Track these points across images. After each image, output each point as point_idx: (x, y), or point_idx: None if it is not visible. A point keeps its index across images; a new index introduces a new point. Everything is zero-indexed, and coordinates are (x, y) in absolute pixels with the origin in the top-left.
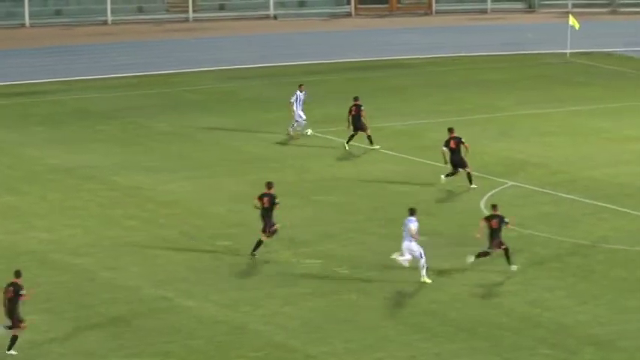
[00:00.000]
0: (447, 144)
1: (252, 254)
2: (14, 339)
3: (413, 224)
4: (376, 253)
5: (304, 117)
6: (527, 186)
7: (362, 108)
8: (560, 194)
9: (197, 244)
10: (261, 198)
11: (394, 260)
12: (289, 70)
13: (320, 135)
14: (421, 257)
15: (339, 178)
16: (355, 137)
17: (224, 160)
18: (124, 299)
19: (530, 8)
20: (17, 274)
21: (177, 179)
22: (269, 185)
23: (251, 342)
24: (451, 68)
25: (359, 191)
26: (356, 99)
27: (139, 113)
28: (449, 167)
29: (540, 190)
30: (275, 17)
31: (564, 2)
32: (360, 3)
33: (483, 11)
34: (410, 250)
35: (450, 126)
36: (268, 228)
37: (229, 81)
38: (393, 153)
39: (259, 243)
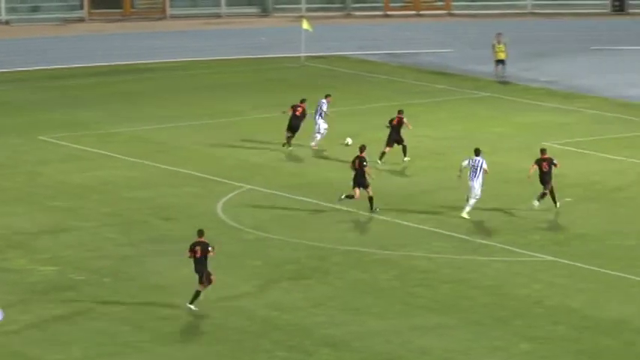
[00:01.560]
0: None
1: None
2: (197, 294)
3: (485, 164)
4: (112, 258)
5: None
6: (263, 189)
7: (298, 109)
8: (296, 197)
9: None
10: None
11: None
12: (26, 76)
13: (53, 140)
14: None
15: (73, 184)
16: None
17: None
18: None
19: (265, 12)
20: (200, 233)
21: None
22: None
23: None
24: (186, 73)
25: (94, 196)
26: (302, 101)
27: None
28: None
29: (277, 193)
30: (7, 23)
31: (298, 6)
32: (93, 8)
33: (218, 15)
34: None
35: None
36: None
37: None
38: (127, 158)
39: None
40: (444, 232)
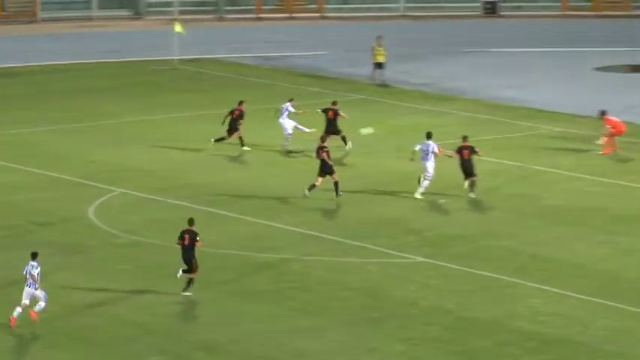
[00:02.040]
0: None
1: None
2: (190, 281)
3: (436, 147)
4: None
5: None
6: (135, 193)
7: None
8: (168, 200)
9: None
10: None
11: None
12: None
13: None
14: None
15: None
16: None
17: None
18: None
19: (137, 15)
20: (191, 221)
21: None
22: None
23: None
24: (57, 76)
25: None
26: (240, 103)
27: None
28: None
29: (149, 196)
30: None
31: (171, 9)
32: None
33: (89, 18)
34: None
35: None
36: (195, 265)
37: None
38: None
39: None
40: (318, 234)
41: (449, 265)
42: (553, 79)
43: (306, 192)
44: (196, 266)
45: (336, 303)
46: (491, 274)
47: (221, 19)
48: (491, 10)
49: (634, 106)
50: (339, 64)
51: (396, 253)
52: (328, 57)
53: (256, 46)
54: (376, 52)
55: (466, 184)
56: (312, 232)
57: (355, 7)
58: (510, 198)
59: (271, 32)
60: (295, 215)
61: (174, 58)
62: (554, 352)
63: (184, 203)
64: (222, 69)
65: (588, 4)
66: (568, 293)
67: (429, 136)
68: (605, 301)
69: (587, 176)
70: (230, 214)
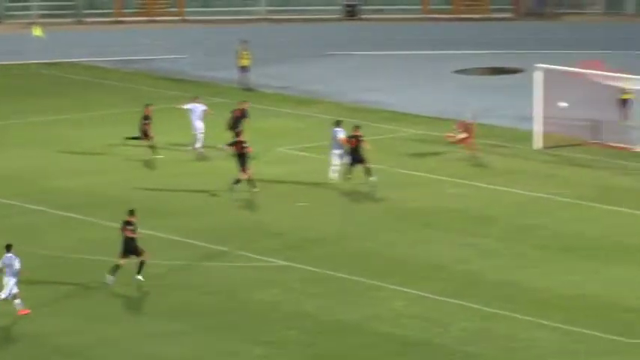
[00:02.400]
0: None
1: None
2: (142, 265)
3: (341, 134)
4: None
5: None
6: None
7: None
8: (27, 205)
9: None
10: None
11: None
12: None
13: None
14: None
15: None
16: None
17: None
18: None
19: None
20: (132, 212)
21: None
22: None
23: None
24: None
25: None
26: (147, 105)
27: None
28: None
29: (6, 201)
30: None
31: (30, 12)
32: None
33: None
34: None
35: None
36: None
37: None
38: None
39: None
40: (180, 239)
41: (309, 268)
42: (414, 82)
43: (232, 188)
44: (142, 250)
45: (196, 307)
46: (351, 277)
47: (80, 22)
48: (351, 13)
49: (493, 108)
50: (199, 67)
51: (257, 257)
52: (188, 60)
53: (116, 50)
54: (241, 55)
55: (350, 171)
56: (174, 237)
57: (216, 11)
58: (371, 200)
59: (131, 35)
60: (158, 219)
61: (33, 62)
62: (415, 354)
63: (42, 208)
64: (82, 72)
65: (449, 7)
66: (428, 295)
67: (337, 123)
68: (465, 303)
69: (448, 178)
70: (86, 218)
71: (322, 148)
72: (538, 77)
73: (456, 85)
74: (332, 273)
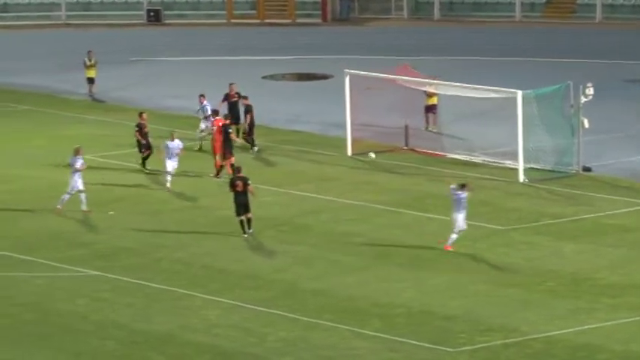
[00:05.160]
0: None
1: None
2: (249, 221)
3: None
4: None
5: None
6: None
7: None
8: None
9: None
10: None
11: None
12: None
13: None
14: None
15: None
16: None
17: None
18: None
19: None
20: (239, 169)
21: None
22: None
23: None
24: None
25: None
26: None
27: None
28: None
29: None
30: None
31: None
32: None
33: None
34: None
35: None
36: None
37: None
38: None
39: None
40: None
41: (121, 277)
42: (219, 89)
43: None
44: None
45: (2, 320)
46: (164, 287)
47: None
48: (155, 18)
49: (301, 114)
50: (2, 73)
51: (66, 267)
52: None
53: None
54: (87, 66)
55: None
56: None
57: (15, 16)
58: (183, 210)
59: None
60: None
61: None
62: None
63: None
64: None
65: (253, 12)
66: (243, 305)
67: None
68: (281, 312)
69: (261, 185)
70: None
71: (128, 156)
72: (347, 83)
73: (265, 91)
74: (144, 283)
